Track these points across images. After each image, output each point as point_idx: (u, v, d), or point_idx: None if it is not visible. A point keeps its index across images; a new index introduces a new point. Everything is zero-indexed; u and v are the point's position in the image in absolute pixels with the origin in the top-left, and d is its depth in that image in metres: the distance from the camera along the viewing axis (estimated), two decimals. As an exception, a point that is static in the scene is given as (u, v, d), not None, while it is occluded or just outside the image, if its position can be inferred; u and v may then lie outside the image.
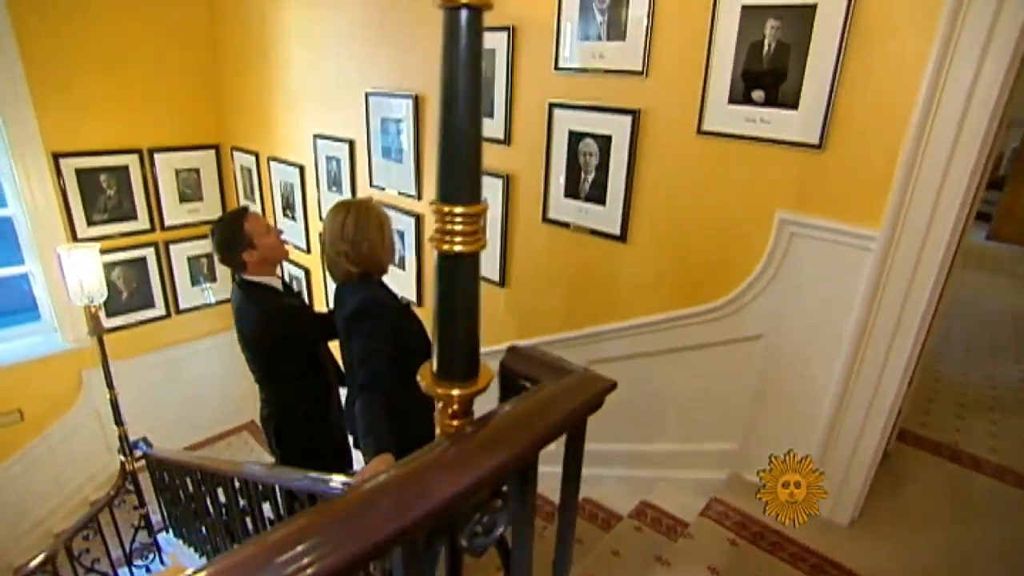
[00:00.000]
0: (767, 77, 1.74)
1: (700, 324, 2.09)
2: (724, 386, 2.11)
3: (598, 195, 2.24)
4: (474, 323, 0.80)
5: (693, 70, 1.89)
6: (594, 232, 2.30)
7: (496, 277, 2.73)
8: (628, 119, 2.07)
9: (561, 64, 2.22)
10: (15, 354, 4.22)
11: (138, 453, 3.58)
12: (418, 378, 0.81)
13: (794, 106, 1.70)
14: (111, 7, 3.92)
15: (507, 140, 2.50)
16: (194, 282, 4.81)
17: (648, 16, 1.94)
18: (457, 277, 0.76)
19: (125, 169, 4.23)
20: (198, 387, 5.09)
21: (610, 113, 2.12)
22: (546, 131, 2.34)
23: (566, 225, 2.39)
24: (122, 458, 3.58)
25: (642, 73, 2.00)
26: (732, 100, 1.82)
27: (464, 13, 0.66)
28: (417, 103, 2.84)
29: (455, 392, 0.81)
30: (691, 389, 2.21)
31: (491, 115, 2.52)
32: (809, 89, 1.67)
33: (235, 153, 4.51)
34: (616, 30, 2.04)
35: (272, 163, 4.08)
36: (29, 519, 4.52)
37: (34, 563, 3.38)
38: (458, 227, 0.72)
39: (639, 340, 2.30)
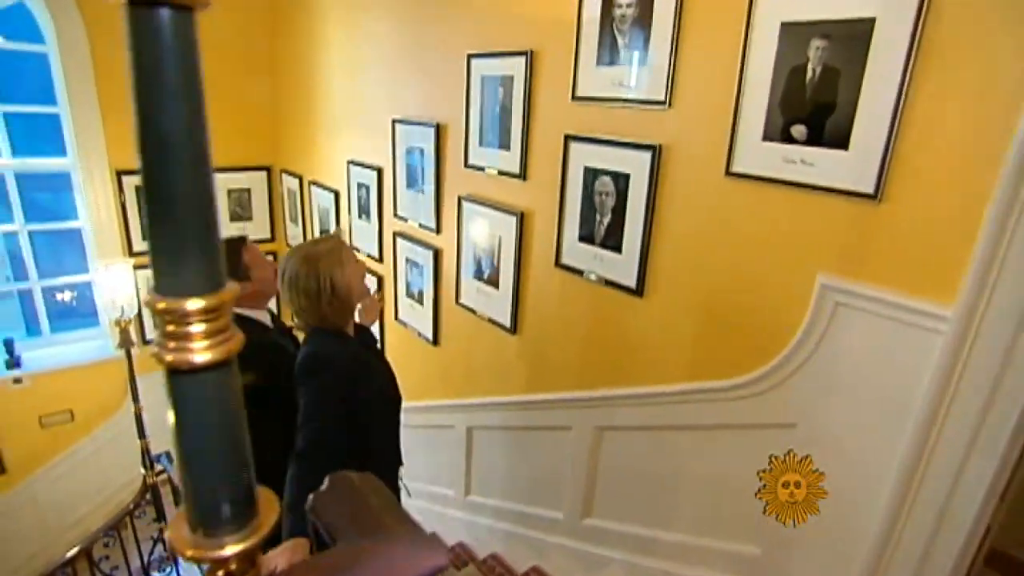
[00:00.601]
0: (811, 109, 1.39)
1: (723, 402, 1.72)
2: (749, 478, 1.71)
3: (614, 241, 1.93)
4: (241, 452, 0.54)
5: (722, 100, 1.56)
6: (608, 283, 1.98)
7: (507, 323, 2.46)
8: (648, 156, 1.76)
9: (579, 92, 1.95)
10: (72, 357, 4.37)
11: (159, 467, 3.55)
12: (165, 534, 0.55)
13: (843, 145, 1.34)
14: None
15: (523, 174, 2.24)
16: (241, 299, 4.85)
17: (672, 36, 1.63)
18: (204, 398, 0.50)
19: (181, 187, 4.33)
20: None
21: (628, 148, 1.82)
22: (561, 166, 2.06)
23: (580, 272, 2.09)
24: (143, 471, 3.56)
25: (664, 103, 1.69)
26: (767, 136, 1.48)
27: (166, 15, 0.41)
28: (439, 132, 2.64)
29: (227, 551, 0.55)
30: (711, 475, 1.83)
31: (507, 147, 2.28)
32: (863, 125, 1.30)
33: (284, 176, 4.53)
34: (637, 53, 1.74)
35: (313, 187, 4.03)
36: (73, 515, 4.63)
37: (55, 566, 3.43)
38: (195, 328, 0.47)
39: (654, 411, 1.94)
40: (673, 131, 1.71)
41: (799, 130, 1.41)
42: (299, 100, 4.09)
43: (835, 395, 1.47)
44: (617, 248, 1.93)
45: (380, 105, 3.07)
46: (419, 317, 3.12)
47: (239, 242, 2.16)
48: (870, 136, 1.30)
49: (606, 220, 1.95)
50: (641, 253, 1.85)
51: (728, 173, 1.58)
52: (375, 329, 2.41)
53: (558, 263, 2.17)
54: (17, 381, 4.12)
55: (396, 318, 3.35)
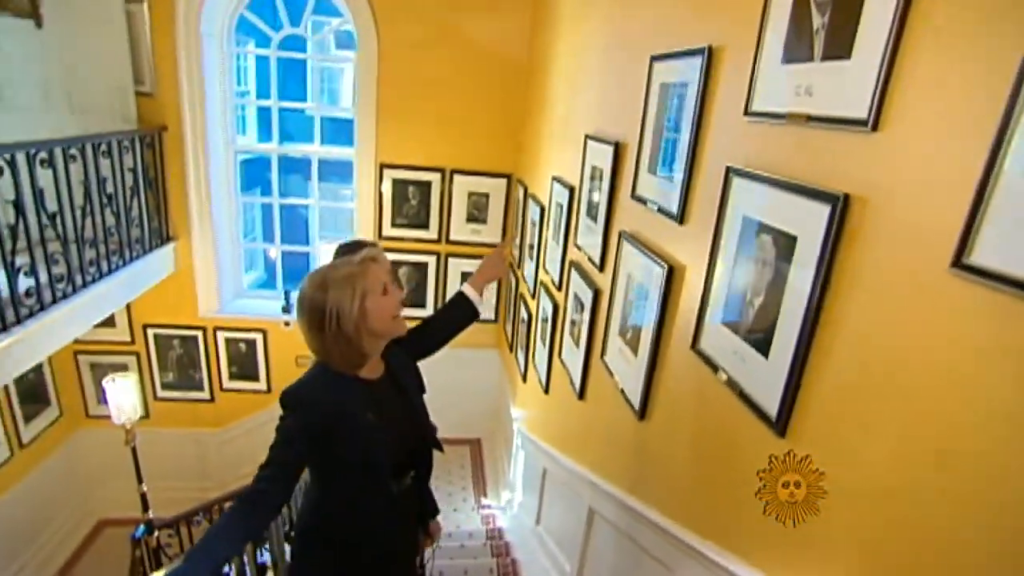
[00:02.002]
0: None
1: None
2: None
3: (762, 337, 1.23)
4: None
5: (971, 122, 0.78)
6: (743, 396, 1.28)
7: (637, 402, 1.86)
8: (824, 211, 1.03)
9: (754, 105, 1.29)
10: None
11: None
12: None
13: None
14: (454, 47, 4.34)
15: (680, 216, 1.64)
16: (463, 296, 5.06)
17: (897, 11, 0.90)
18: None
19: (428, 184, 4.68)
20: (452, 390, 5.23)
21: (798, 195, 1.11)
22: (717, 211, 1.42)
23: (715, 368, 1.41)
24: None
25: (866, 123, 0.95)
26: (1060, 205, 0.67)
27: None
28: (617, 153, 2.17)
29: None
30: None
31: (670, 178, 1.70)
32: None
33: (519, 185, 4.52)
34: (838, 42, 1.03)
35: (530, 200, 3.90)
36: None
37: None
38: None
39: (771, 620, 1.18)
40: (874, 173, 0.96)
41: None
42: (537, 110, 3.99)
43: None
44: (763, 348, 1.22)
45: (579, 118, 2.72)
46: (573, 361, 2.69)
47: (356, 248, 2.04)
48: None
49: (758, 301, 1.25)
50: (793, 366, 1.11)
51: (959, 264, 0.79)
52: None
53: (694, 346, 1.52)
54: (287, 324, 5.03)
55: (560, 355, 2.98)
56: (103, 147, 3.45)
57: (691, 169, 1.58)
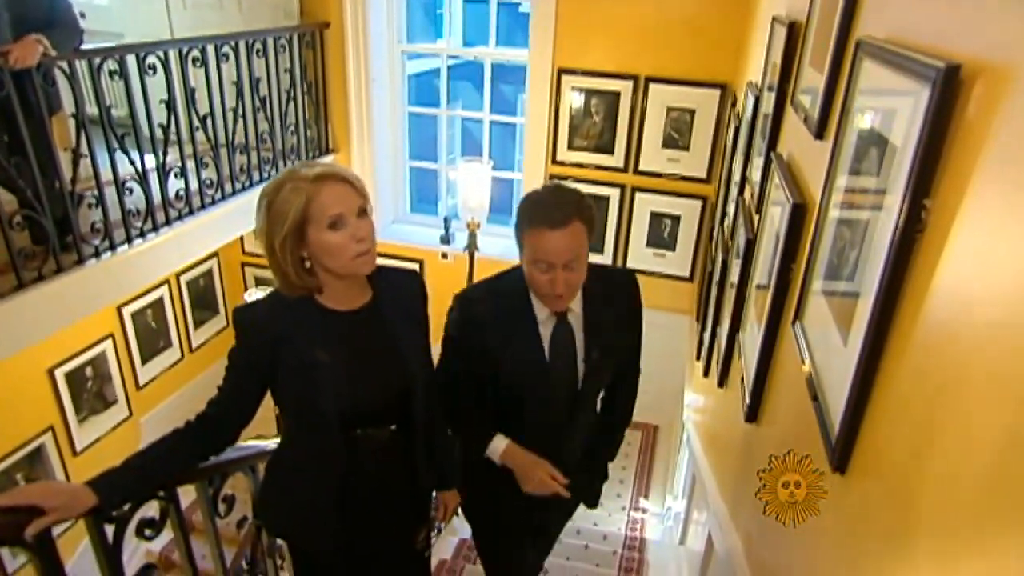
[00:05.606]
0: None
1: None
2: None
3: (848, 309, 0.96)
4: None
5: None
6: (816, 399, 1.02)
7: (747, 397, 1.61)
8: (924, 94, 0.74)
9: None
10: (496, 250, 5.24)
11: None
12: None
13: None
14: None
15: (819, 128, 1.34)
16: (649, 243, 4.82)
17: None
18: None
19: (616, 96, 4.47)
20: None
21: (900, 72, 0.81)
22: (839, 114, 1.11)
23: (803, 358, 1.15)
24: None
25: None
26: None
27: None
28: (790, 37, 1.82)
29: None
30: None
31: (820, 69, 1.38)
32: None
33: (732, 99, 4.10)
34: None
35: (733, 117, 3.52)
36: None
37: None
38: None
39: None
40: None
41: None
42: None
43: None
44: (845, 326, 0.95)
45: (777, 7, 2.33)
46: (721, 334, 2.44)
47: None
48: None
49: (852, 257, 0.97)
50: (860, 362, 0.85)
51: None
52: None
53: (796, 320, 1.25)
54: (444, 256, 5.40)
55: (715, 326, 2.72)
56: (257, 45, 4.00)
57: (841, 49, 1.26)
